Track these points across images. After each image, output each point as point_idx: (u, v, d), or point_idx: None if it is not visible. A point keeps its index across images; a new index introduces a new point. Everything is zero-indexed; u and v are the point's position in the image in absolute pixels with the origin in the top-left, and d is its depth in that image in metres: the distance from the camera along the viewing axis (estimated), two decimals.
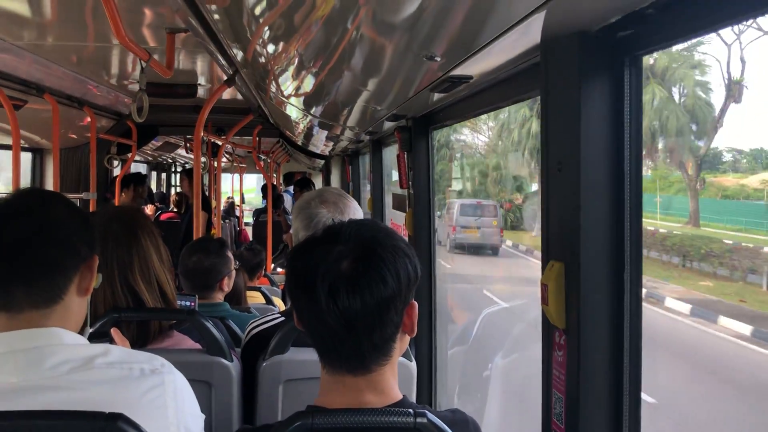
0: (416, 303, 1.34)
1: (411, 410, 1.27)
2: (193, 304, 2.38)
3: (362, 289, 1.25)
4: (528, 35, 1.54)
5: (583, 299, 1.40)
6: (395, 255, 1.29)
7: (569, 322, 1.44)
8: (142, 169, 11.53)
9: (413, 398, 2.09)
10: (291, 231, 2.29)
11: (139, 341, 1.99)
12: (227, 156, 9.82)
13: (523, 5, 1.32)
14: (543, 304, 1.50)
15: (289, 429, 1.25)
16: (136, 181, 6.61)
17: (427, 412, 1.27)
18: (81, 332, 1.41)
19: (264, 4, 1.66)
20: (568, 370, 1.44)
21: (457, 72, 1.93)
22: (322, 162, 9.99)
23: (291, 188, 11.46)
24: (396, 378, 1.38)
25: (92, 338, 1.54)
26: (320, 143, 6.11)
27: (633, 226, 1.40)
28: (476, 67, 1.89)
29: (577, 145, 1.38)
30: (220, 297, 3.13)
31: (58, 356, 1.29)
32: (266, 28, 1.84)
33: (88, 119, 4.64)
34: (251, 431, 1.47)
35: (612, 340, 1.42)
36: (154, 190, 12.38)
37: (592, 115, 1.38)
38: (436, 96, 2.57)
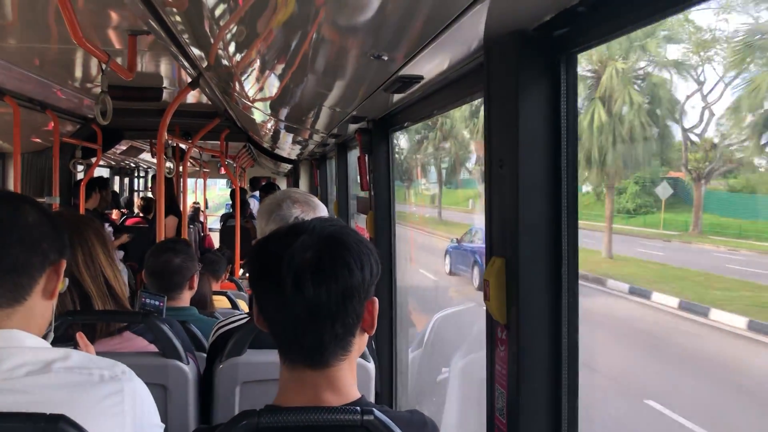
0: (377, 299, 1.33)
1: (358, 408, 1.27)
2: (161, 304, 2.36)
3: (328, 277, 1.25)
4: (473, 34, 1.55)
5: (522, 295, 1.41)
6: (359, 246, 1.30)
7: (510, 317, 1.45)
8: (104, 174, 11.36)
9: (371, 399, 2.09)
10: (259, 235, 2.25)
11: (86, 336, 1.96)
12: (193, 161, 9.73)
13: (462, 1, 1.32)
14: (485, 300, 1.51)
15: (235, 429, 1.24)
16: (100, 185, 6.55)
17: (374, 409, 1.26)
18: (45, 337, 1.39)
19: (223, 7, 1.65)
20: (509, 365, 1.45)
21: (407, 72, 1.94)
22: (289, 167, 9.95)
23: (257, 193, 11.43)
24: (355, 377, 1.36)
25: (56, 343, 1.51)
26: (287, 146, 6.09)
27: (570, 222, 1.42)
28: (425, 66, 1.90)
29: (516, 142, 1.40)
30: (187, 299, 3.10)
31: (15, 359, 1.26)
32: (227, 31, 1.84)
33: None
34: (203, 431, 1.46)
35: (551, 334, 1.43)
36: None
37: (530, 113, 1.40)
38: (395, 97, 2.58)
